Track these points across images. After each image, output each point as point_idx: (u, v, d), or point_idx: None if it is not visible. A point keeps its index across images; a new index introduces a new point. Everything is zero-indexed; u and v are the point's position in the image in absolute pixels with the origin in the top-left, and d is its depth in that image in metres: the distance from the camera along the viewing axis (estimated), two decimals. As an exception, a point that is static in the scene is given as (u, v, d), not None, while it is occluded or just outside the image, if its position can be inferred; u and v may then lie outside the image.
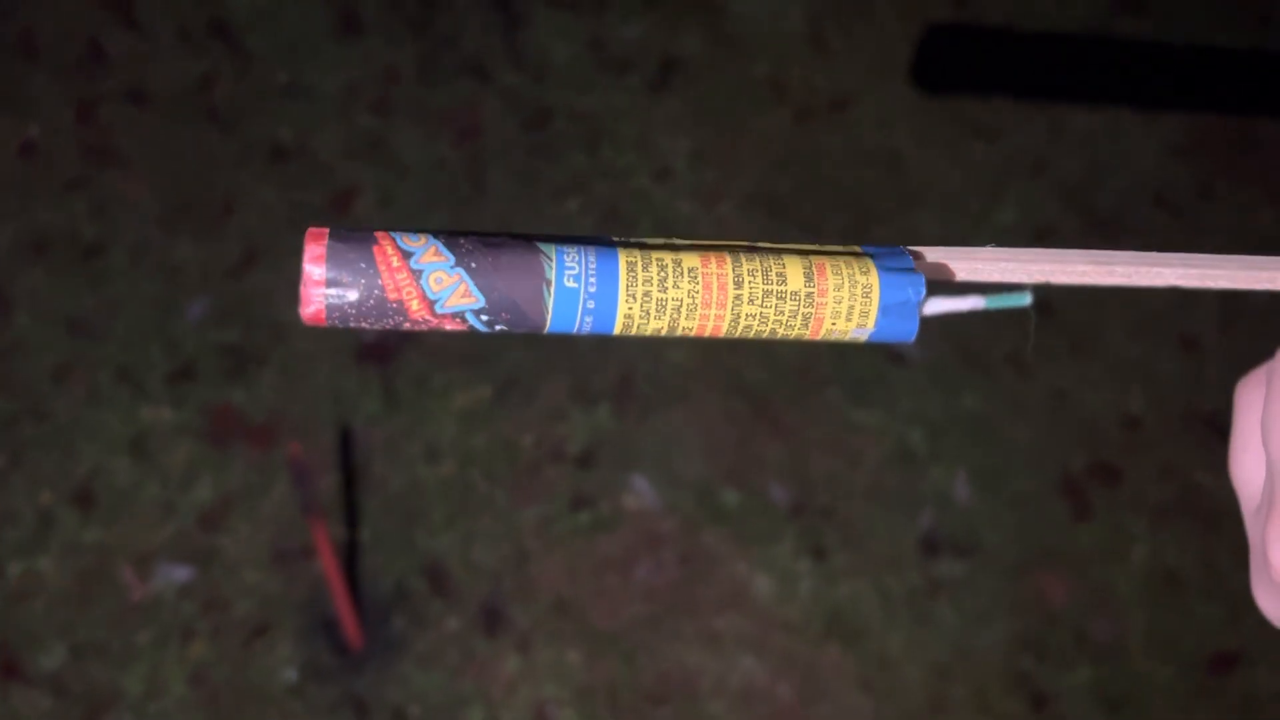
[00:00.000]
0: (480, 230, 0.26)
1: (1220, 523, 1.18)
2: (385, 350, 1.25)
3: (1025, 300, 0.26)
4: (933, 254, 0.27)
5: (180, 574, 1.07)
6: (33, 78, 1.49)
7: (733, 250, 0.25)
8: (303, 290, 0.24)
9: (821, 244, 0.26)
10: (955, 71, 1.69)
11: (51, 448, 1.14)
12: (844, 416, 1.23)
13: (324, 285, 0.24)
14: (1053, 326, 1.33)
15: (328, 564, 0.93)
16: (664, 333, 0.24)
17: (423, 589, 1.08)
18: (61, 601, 1.04)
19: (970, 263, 0.27)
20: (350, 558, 1.09)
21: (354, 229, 0.25)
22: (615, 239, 0.25)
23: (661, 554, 1.13)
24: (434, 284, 0.24)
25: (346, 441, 1.16)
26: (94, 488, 1.11)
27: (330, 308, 0.24)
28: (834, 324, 0.25)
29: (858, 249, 0.26)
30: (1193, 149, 1.56)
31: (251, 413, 1.18)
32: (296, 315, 1.29)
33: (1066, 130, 1.60)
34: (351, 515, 1.11)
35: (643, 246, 0.25)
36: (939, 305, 0.26)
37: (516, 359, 1.26)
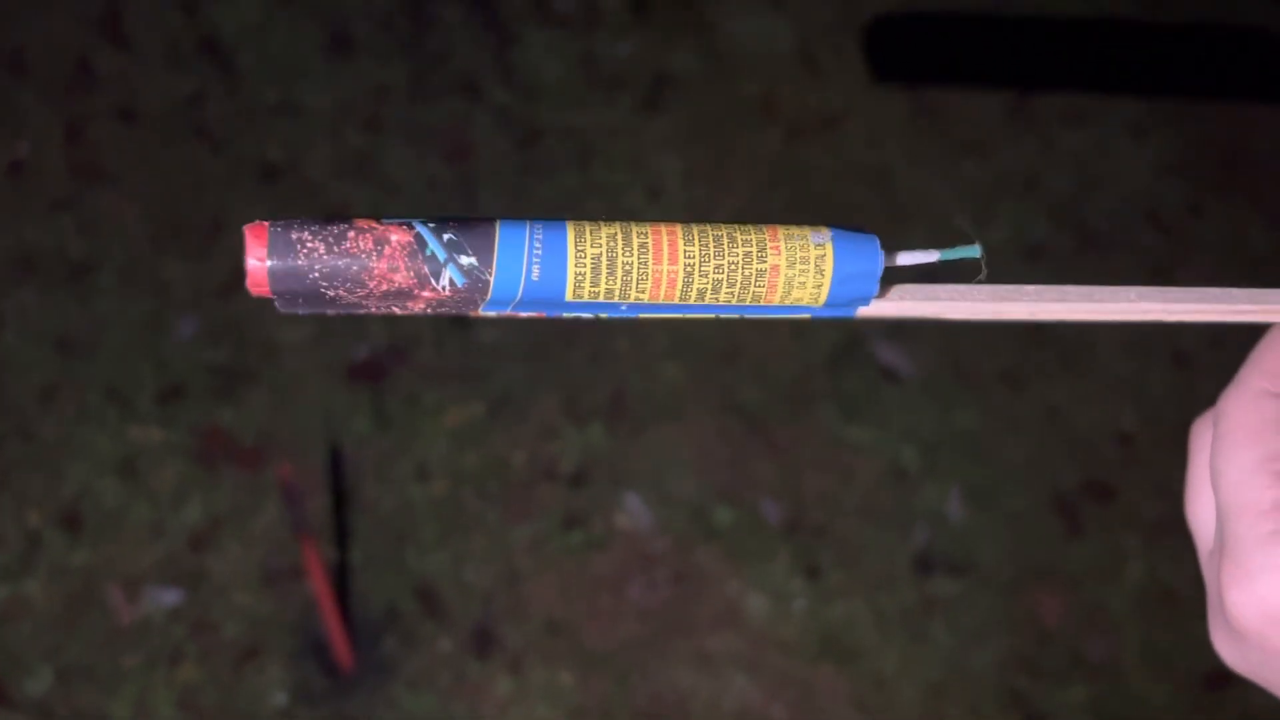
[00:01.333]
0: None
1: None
2: (376, 369, 1.24)
3: (975, 252, 0.27)
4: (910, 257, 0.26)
5: (169, 596, 1.06)
6: (21, 96, 1.48)
7: (684, 226, 0.24)
8: (247, 257, 0.24)
9: None
10: (945, 90, 1.69)
11: (39, 468, 1.13)
12: (837, 434, 1.23)
13: (265, 249, 0.24)
14: (1044, 343, 1.34)
15: (318, 585, 0.92)
16: (617, 292, 0.23)
17: (414, 610, 1.07)
18: (48, 624, 1.03)
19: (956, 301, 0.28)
20: (341, 579, 1.08)
21: (305, 220, 0.25)
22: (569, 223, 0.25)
23: (654, 573, 1.12)
24: (384, 223, 0.24)
25: (336, 462, 1.15)
26: (82, 509, 1.10)
27: (277, 275, 0.24)
28: (791, 272, 0.24)
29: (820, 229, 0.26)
30: (1182, 166, 1.57)
31: (241, 433, 1.17)
32: (287, 334, 1.28)
33: (1056, 148, 1.60)
34: (342, 536, 1.10)
35: (596, 223, 0.24)
36: (900, 259, 0.26)
37: (509, 376, 1.26)
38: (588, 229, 0.23)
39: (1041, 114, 1.62)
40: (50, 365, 1.21)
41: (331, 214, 0.24)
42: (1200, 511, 0.25)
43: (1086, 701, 1.09)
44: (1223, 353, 1.34)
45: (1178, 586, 1.16)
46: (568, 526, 1.14)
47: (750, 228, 0.24)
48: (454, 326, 1.32)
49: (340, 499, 1.11)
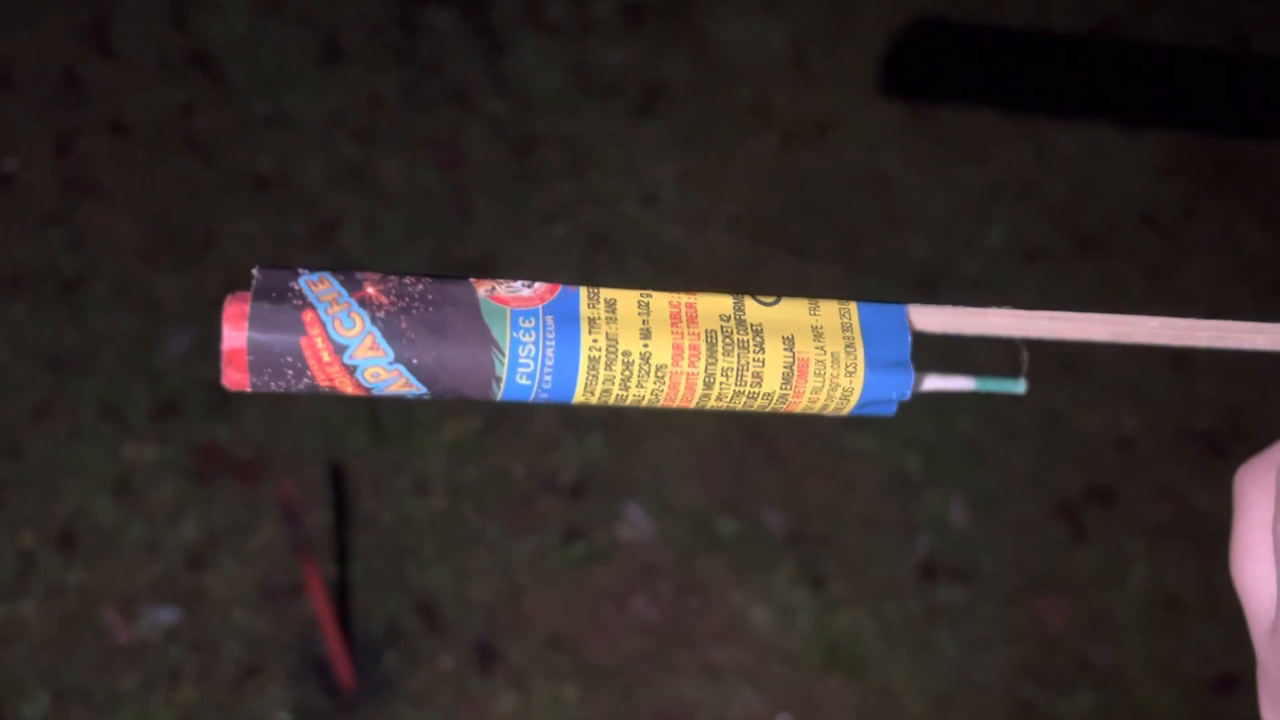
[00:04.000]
0: (451, 270, 0.24)
1: (1218, 543, 1.18)
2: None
3: (1019, 389, 0.24)
4: (939, 315, 0.24)
5: (166, 615, 1.04)
6: (9, 110, 1.47)
7: (710, 334, 0.22)
8: (224, 374, 0.22)
9: (815, 295, 0.22)
10: (940, 94, 1.69)
11: (32, 487, 1.11)
12: (838, 442, 1.22)
13: (246, 373, 0.21)
14: (1043, 348, 1.33)
15: (319, 603, 0.91)
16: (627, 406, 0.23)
17: (415, 626, 1.06)
18: (44, 647, 1.02)
19: (982, 319, 0.25)
20: (341, 596, 1.07)
21: (280, 298, 0.21)
22: (587, 295, 0.22)
23: (657, 585, 1.11)
24: (370, 377, 0.22)
25: (337, 477, 1.13)
26: (76, 528, 1.09)
27: (256, 387, 0.22)
28: (810, 408, 0.23)
29: (854, 314, 0.23)
30: (1177, 169, 1.57)
31: (237, 448, 1.15)
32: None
33: (1052, 152, 1.60)
34: (342, 552, 1.09)
35: (611, 316, 0.21)
36: (930, 384, 0.24)
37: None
38: (600, 373, 0.21)
39: (1036, 118, 1.62)
40: (42, 383, 1.19)
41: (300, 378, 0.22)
42: (1253, 573, 0.23)
43: (1094, 709, 1.09)
44: (1223, 354, 1.34)
45: (1181, 591, 1.16)
46: (569, 539, 1.13)
47: (779, 372, 0.22)
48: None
49: (341, 515, 1.10)
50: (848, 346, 0.22)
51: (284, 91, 1.54)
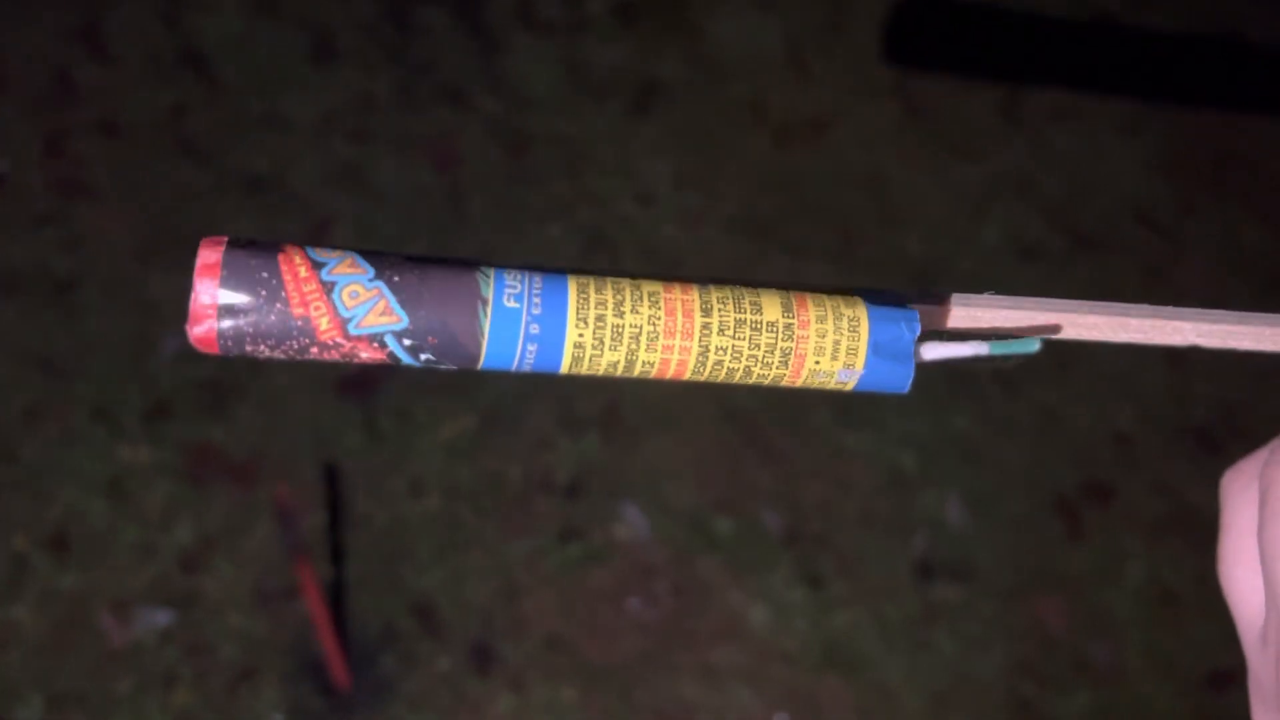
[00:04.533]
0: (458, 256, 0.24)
1: (1215, 539, 1.18)
2: (366, 382, 1.23)
3: (1034, 347, 0.23)
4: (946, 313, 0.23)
5: (161, 618, 1.04)
6: None
7: (700, 282, 0.21)
8: (191, 305, 0.20)
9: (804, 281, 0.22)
10: (935, 92, 1.69)
11: (24, 490, 1.10)
12: (834, 440, 1.22)
13: (216, 298, 0.20)
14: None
15: (315, 606, 0.90)
16: (620, 369, 0.21)
17: (411, 628, 1.06)
18: (38, 650, 1.01)
19: (971, 310, 0.24)
20: (337, 597, 1.06)
21: (260, 239, 0.21)
22: (572, 278, 0.21)
23: (654, 585, 1.11)
24: (348, 299, 0.20)
25: (333, 479, 1.13)
26: (69, 531, 1.08)
27: (224, 328, 0.20)
28: (818, 362, 0.22)
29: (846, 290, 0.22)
30: (1173, 166, 1.57)
31: (231, 450, 1.15)
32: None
33: (1048, 149, 1.60)
34: (337, 554, 1.08)
35: (599, 274, 0.21)
36: (938, 351, 0.23)
37: (501, 387, 1.24)
38: (588, 353, 0.21)
39: (1033, 115, 1.62)
40: (34, 385, 1.19)
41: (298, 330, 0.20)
42: (1243, 582, 0.22)
43: (1092, 707, 1.09)
44: (1215, 353, 1.34)
45: (1179, 587, 1.15)
46: (565, 539, 1.13)
47: (778, 302, 0.21)
48: (446, 338, 1.31)
49: (336, 517, 1.09)
50: (844, 294, 0.22)
51: (277, 91, 1.53)
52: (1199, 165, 1.56)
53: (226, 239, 0.20)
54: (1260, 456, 0.23)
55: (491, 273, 0.21)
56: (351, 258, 0.21)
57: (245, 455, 1.15)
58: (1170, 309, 0.24)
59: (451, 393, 1.23)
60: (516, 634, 1.07)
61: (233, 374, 1.22)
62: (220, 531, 1.09)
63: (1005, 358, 0.22)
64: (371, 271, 0.21)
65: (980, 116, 1.63)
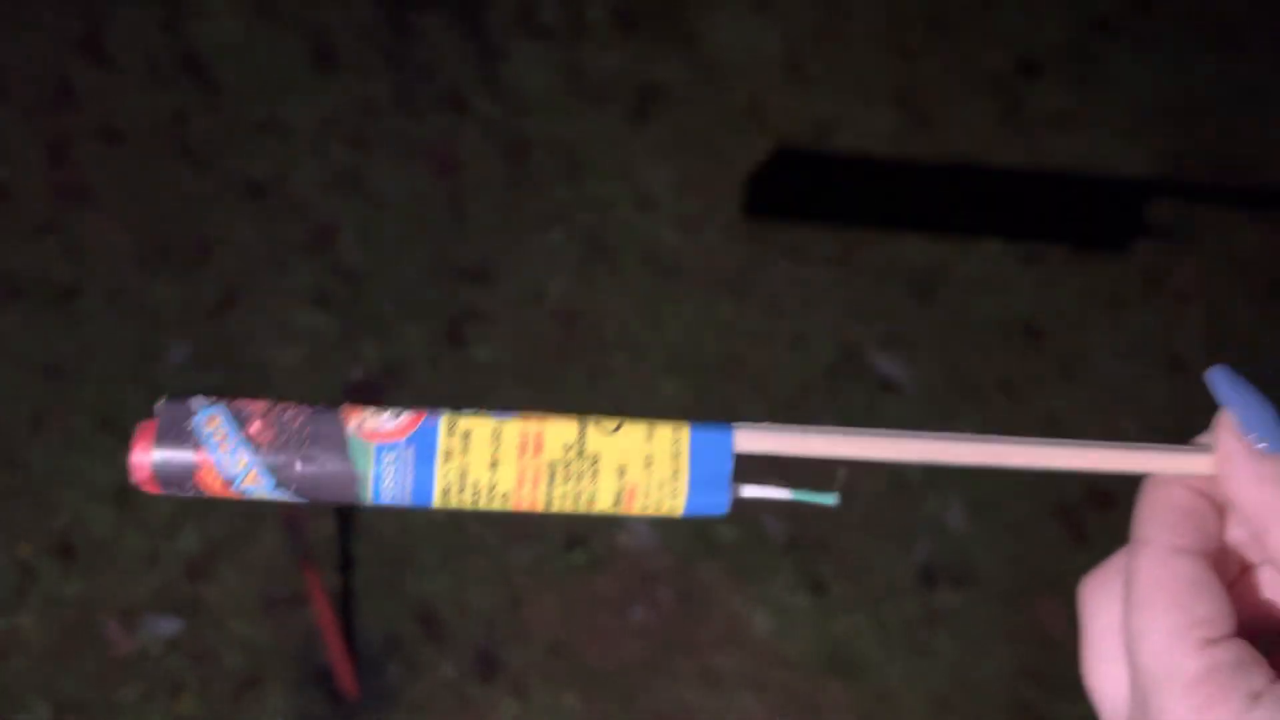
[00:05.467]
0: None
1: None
2: (371, 390, 1.23)
3: (831, 500, 0.27)
4: (763, 438, 0.26)
5: (167, 626, 1.04)
6: (0, 116, 1.46)
7: (552, 464, 0.24)
8: (131, 472, 0.27)
9: (654, 421, 0.25)
10: (935, 97, 1.69)
11: (29, 498, 1.11)
12: (836, 446, 1.22)
13: (157, 488, 0.27)
14: (1041, 350, 1.34)
15: (322, 613, 0.90)
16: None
17: (416, 635, 1.06)
18: (43, 658, 1.01)
19: (804, 440, 0.27)
20: (344, 605, 1.07)
21: (178, 439, 0.26)
22: (446, 427, 0.25)
23: (657, 592, 1.11)
24: (257, 496, 0.26)
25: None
26: (74, 539, 1.08)
27: (168, 492, 0.27)
28: (642, 514, 0.26)
29: (685, 441, 0.25)
30: (1172, 172, 1.57)
31: (235, 457, 1.15)
32: (280, 357, 1.27)
33: (1046, 155, 1.60)
34: (346, 561, 1.08)
35: (465, 447, 0.25)
36: (752, 491, 0.27)
37: (506, 396, 1.25)
38: (453, 497, 0.25)
39: (1033, 119, 1.63)
40: (38, 392, 1.19)
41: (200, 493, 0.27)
42: (1105, 679, 0.24)
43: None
44: (1219, 357, 1.35)
45: (1179, 592, 1.16)
46: (569, 546, 1.13)
47: (611, 499, 0.25)
48: (448, 345, 1.31)
49: (345, 524, 1.09)
50: (675, 473, 0.25)
51: (277, 97, 1.53)
52: (1198, 172, 1.57)
53: (153, 437, 0.27)
54: (1116, 562, 0.25)
55: (370, 485, 0.25)
56: (254, 471, 0.25)
57: (249, 462, 1.15)
58: (944, 437, 0.26)
59: (456, 401, 1.24)
60: (520, 640, 1.07)
61: (238, 382, 1.23)
62: (225, 539, 1.09)
63: (808, 503, 0.26)
64: (271, 484, 0.25)
65: (979, 121, 1.63)
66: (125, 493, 1.11)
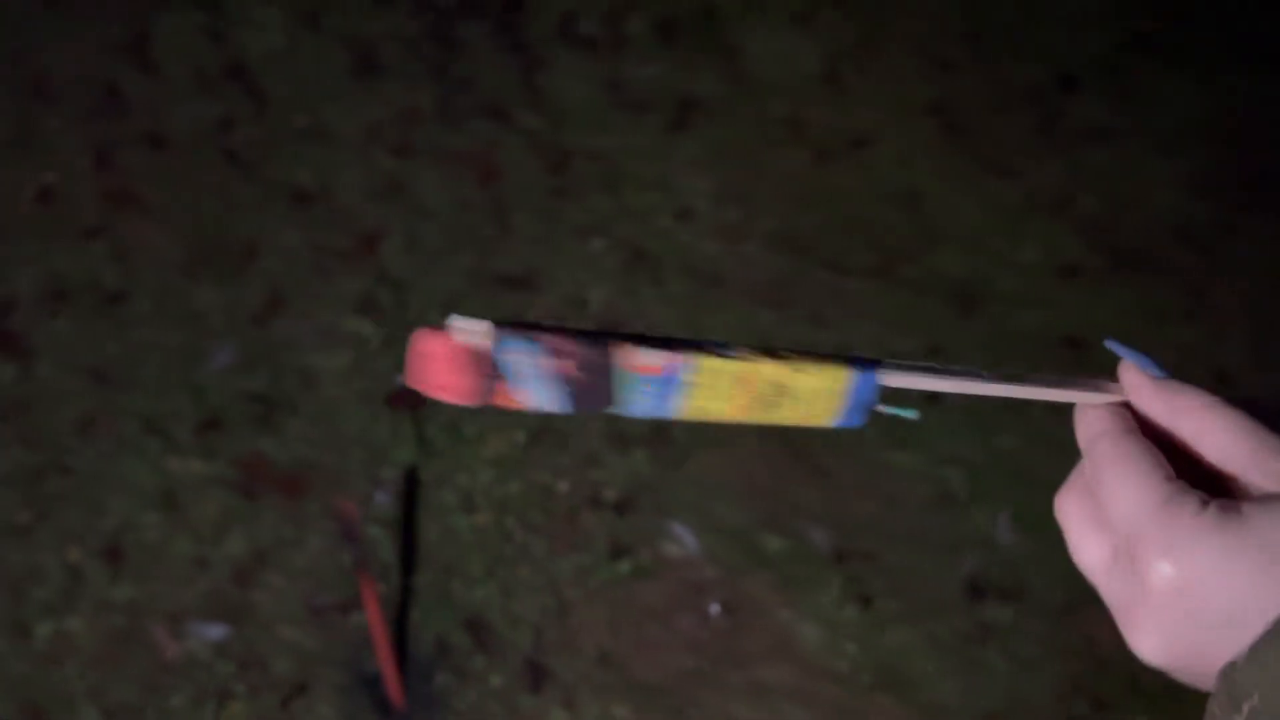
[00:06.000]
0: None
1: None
2: (415, 396, 1.23)
3: (913, 415, 0.34)
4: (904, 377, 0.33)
5: (214, 632, 1.04)
6: (48, 122, 1.47)
7: (755, 398, 0.31)
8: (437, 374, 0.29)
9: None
10: (971, 109, 1.69)
11: (78, 502, 1.11)
12: (881, 459, 1.22)
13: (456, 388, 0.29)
14: (1084, 363, 1.33)
15: (374, 620, 0.90)
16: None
17: (465, 643, 1.06)
18: (92, 663, 1.01)
19: (929, 380, 0.33)
20: (398, 611, 1.06)
21: (503, 349, 0.29)
22: (692, 364, 0.30)
23: (704, 603, 1.11)
24: (534, 401, 0.30)
25: (411, 485, 1.13)
26: (123, 543, 1.08)
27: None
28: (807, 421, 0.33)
29: (845, 374, 0.32)
30: (1211, 184, 1.57)
31: (282, 462, 1.15)
32: (324, 362, 1.26)
33: (1084, 167, 1.60)
34: (407, 564, 1.08)
35: (704, 382, 0.31)
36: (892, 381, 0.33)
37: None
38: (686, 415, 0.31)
39: (1070, 133, 1.62)
40: (86, 396, 1.19)
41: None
42: (1090, 554, 0.31)
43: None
44: (1264, 374, 1.34)
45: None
46: (615, 556, 1.12)
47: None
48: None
49: (409, 524, 1.09)
50: (836, 399, 0.32)
51: (321, 105, 1.54)
52: (1236, 183, 1.56)
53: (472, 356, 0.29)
54: (1075, 478, 0.32)
55: (629, 405, 0.31)
56: (539, 399, 0.30)
57: (296, 468, 1.15)
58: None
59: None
60: (567, 650, 1.07)
61: (283, 387, 1.23)
62: (271, 544, 1.09)
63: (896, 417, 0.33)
64: (552, 405, 0.30)
65: (1016, 134, 1.63)
66: (172, 497, 1.11)
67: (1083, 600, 1.14)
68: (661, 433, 1.23)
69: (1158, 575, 0.27)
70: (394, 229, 1.43)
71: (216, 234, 1.39)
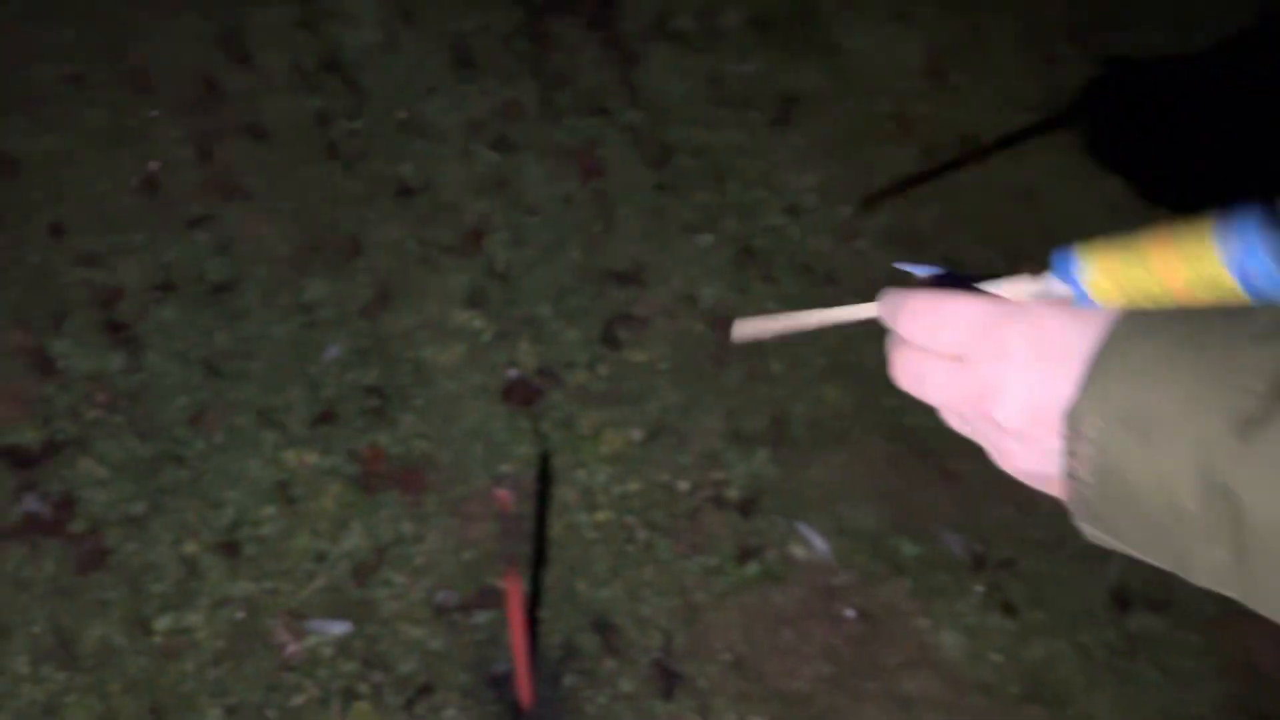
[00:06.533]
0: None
1: None
2: (529, 391, 1.19)
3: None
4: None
5: (335, 629, 1.00)
6: (147, 113, 1.45)
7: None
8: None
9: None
10: (1080, 104, 1.64)
11: (193, 494, 1.08)
12: (1014, 461, 1.16)
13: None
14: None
15: (515, 618, 0.86)
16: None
17: (594, 645, 1.01)
18: (212, 660, 0.98)
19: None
20: (531, 610, 1.02)
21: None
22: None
23: (838, 608, 1.06)
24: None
25: (545, 473, 1.09)
26: (240, 536, 1.05)
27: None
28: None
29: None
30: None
31: (399, 456, 1.12)
32: (437, 356, 1.23)
33: (1203, 161, 1.54)
34: (540, 556, 1.04)
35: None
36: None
37: (664, 399, 1.20)
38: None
39: (1181, 126, 1.56)
40: (197, 386, 1.16)
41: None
42: (921, 373, 0.32)
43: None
44: None
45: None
46: (742, 558, 1.08)
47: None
48: (604, 346, 1.27)
49: (543, 516, 1.05)
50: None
51: (419, 99, 1.51)
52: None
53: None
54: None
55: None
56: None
57: (414, 462, 1.11)
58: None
59: (614, 403, 1.19)
60: (699, 655, 1.02)
61: (395, 380, 1.19)
62: (391, 540, 1.05)
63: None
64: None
65: (1126, 129, 1.57)
66: (288, 491, 1.08)
67: (1234, 612, 1.08)
68: (782, 431, 1.18)
69: (1016, 336, 0.30)
70: (499, 223, 1.40)
71: (322, 226, 1.36)
